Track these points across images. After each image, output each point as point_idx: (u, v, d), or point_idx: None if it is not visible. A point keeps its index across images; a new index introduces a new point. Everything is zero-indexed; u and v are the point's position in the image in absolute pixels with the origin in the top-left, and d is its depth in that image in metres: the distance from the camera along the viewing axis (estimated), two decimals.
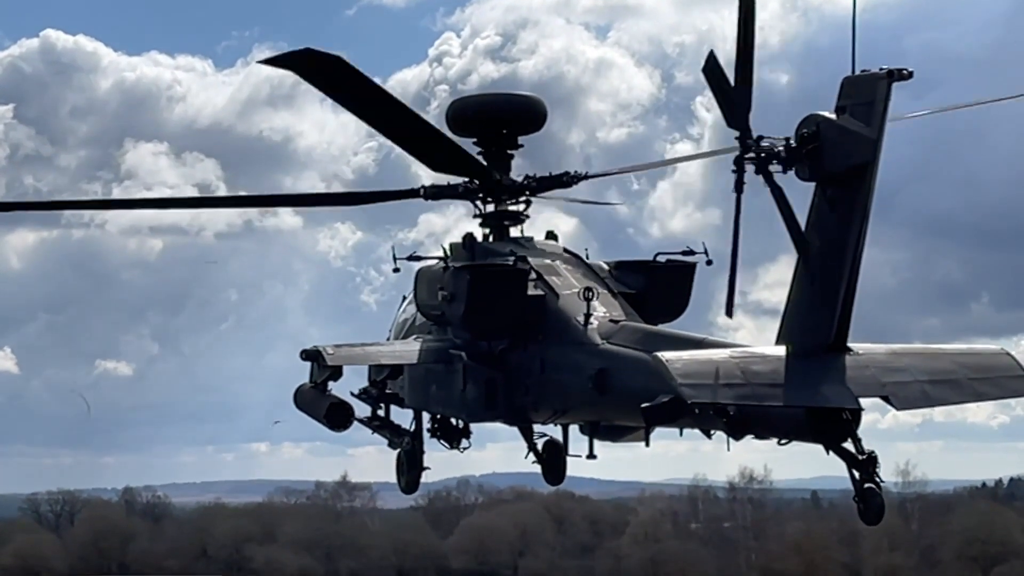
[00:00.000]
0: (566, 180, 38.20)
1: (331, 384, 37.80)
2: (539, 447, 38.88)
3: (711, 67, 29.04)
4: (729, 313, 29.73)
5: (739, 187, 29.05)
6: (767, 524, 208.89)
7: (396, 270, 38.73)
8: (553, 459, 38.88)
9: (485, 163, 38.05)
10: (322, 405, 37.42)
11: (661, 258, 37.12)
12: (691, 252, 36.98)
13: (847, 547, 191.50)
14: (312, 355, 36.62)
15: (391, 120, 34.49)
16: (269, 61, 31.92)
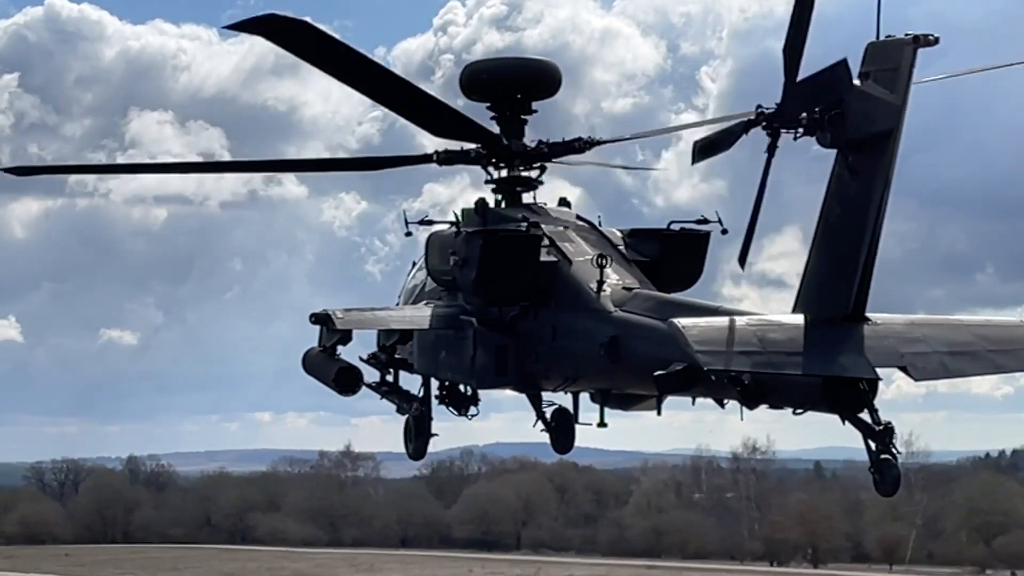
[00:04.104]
0: (578, 146, 37.76)
1: (340, 349, 37.52)
2: (548, 415, 38.44)
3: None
4: (742, 264, 29.24)
5: (771, 149, 28.72)
6: (770, 494, 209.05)
7: (408, 234, 38.39)
8: (562, 427, 38.44)
9: (496, 129, 37.64)
10: (331, 369, 37.17)
11: (675, 226, 36.73)
12: (705, 221, 36.57)
13: (850, 517, 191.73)
14: (322, 319, 36.35)
15: (373, 84, 33.98)
16: (235, 26, 31.31)
